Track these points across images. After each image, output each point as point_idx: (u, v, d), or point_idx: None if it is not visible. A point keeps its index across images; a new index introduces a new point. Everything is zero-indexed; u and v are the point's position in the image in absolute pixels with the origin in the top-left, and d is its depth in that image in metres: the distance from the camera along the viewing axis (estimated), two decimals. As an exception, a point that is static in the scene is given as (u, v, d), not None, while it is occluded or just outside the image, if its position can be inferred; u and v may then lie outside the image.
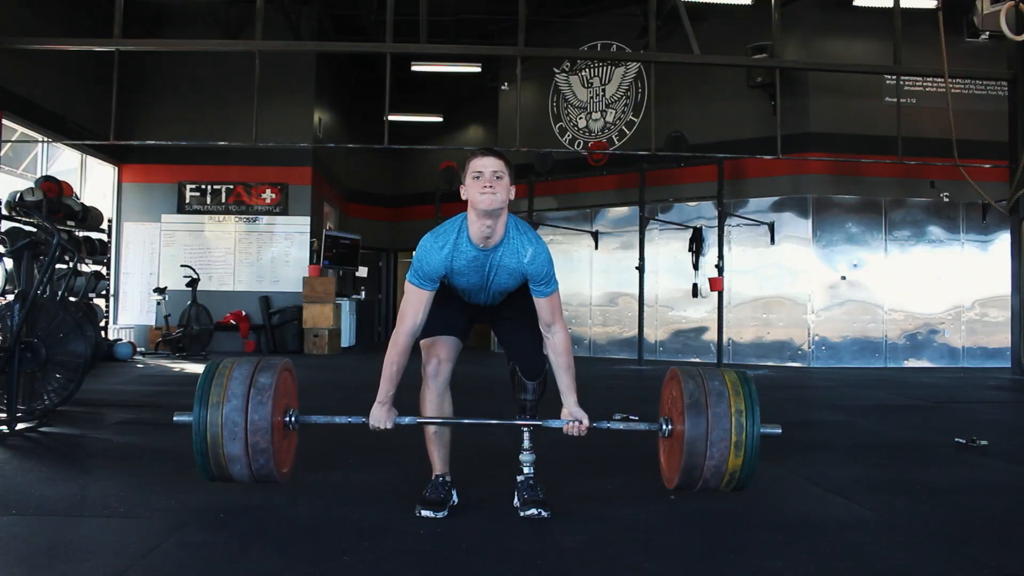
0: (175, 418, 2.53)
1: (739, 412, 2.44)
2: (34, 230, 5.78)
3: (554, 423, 2.57)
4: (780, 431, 2.52)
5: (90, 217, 9.16)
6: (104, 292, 9.59)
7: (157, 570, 2.04)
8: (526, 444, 2.64)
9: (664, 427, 2.65)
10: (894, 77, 9.01)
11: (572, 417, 2.57)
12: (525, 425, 2.64)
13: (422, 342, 2.70)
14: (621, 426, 2.75)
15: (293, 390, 2.70)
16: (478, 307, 2.76)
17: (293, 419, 2.61)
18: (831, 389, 6.96)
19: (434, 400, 2.65)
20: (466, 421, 2.74)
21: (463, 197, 2.52)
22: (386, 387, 2.56)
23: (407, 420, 2.58)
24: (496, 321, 2.83)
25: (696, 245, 10.12)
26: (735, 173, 9.97)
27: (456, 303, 2.74)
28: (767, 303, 9.80)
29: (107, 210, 10.29)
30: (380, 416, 2.56)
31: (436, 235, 2.56)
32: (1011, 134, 8.52)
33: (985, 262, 9.72)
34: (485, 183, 2.44)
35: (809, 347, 9.56)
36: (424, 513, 2.51)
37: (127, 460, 3.46)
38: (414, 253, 2.60)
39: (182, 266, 10.06)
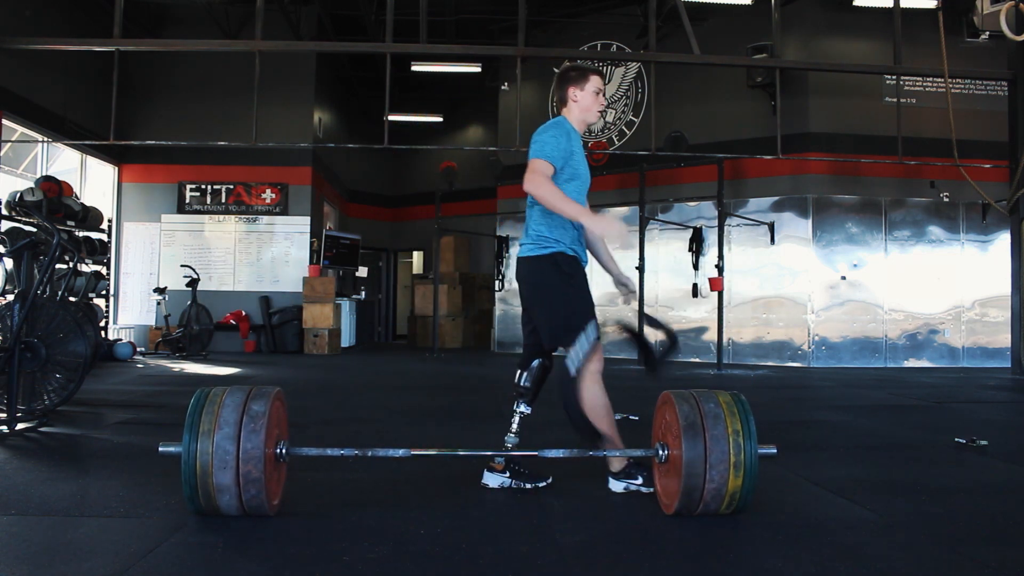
0: (160, 449, 2.42)
1: (736, 433, 2.43)
2: (34, 230, 5.79)
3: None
4: (775, 451, 2.54)
5: (90, 217, 9.15)
6: (104, 292, 9.58)
7: (157, 570, 2.04)
8: (514, 428, 2.96)
9: (660, 452, 2.63)
10: (894, 77, 8.99)
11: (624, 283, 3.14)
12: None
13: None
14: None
15: (284, 420, 2.64)
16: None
17: (284, 451, 2.54)
18: (831, 389, 6.96)
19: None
20: None
21: (572, 100, 2.94)
22: (577, 207, 2.74)
23: None
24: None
25: (696, 245, 10.11)
26: (735, 173, 9.96)
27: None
28: (767, 303, 9.80)
29: (107, 210, 10.29)
30: (607, 221, 2.81)
31: (555, 130, 2.85)
32: (1011, 134, 8.51)
33: (985, 262, 9.72)
34: (604, 102, 3.00)
35: (809, 347, 9.55)
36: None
37: (127, 460, 3.46)
38: (537, 141, 2.83)
39: (182, 266, 10.06)
